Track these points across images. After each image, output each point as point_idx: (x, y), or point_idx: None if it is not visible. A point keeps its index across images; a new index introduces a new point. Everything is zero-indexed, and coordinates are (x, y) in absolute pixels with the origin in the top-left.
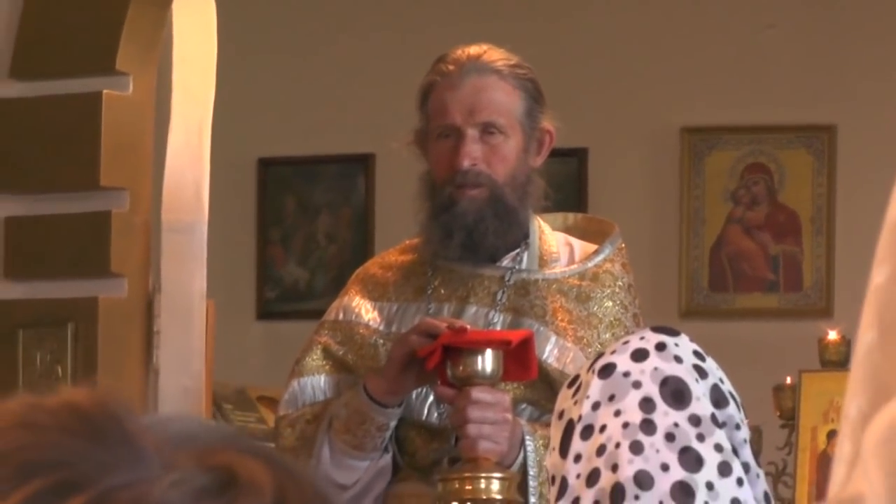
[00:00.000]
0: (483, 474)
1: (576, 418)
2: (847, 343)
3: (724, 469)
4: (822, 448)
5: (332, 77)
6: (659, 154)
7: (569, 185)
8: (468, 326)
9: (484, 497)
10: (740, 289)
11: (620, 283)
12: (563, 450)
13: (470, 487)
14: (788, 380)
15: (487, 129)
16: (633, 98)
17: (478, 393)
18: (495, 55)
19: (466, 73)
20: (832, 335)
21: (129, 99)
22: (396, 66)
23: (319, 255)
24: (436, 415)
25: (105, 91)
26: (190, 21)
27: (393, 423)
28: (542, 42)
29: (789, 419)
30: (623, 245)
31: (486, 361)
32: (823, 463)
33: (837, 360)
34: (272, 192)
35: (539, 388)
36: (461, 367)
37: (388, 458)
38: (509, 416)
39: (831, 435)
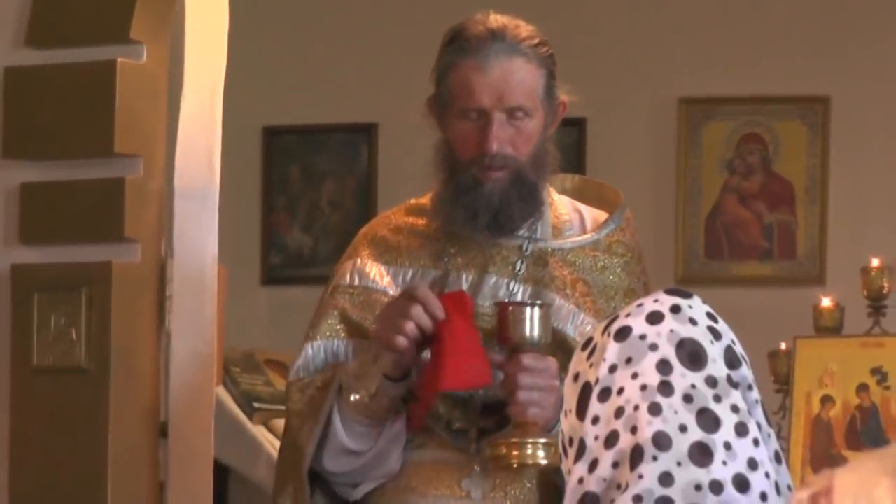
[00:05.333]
0: (531, 440)
1: (592, 381)
2: (840, 310)
3: (741, 429)
4: (815, 412)
5: (337, 46)
6: (657, 124)
7: (568, 154)
8: (468, 294)
9: (530, 462)
10: (735, 256)
11: (632, 253)
12: (581, 412)
13: (517, 453)
14: (783, 346)
15: (514, 113)
16: (632, 68)
17: (528, 360)
18: (520, 32)
19: (494, 53)
20: (826, 302)
21: (143, 67)
22: (402, 35)
23: (323, 222)
24: None
25: (119, 59)
26: None
27: (401, 392)
28: (541, 11)
29: (784, 384)
30: (630, 214)
31: (535, 326)
32: (817, 427)
33: (831, 327)
34: (277, 161)
35: (562, 361)
36: (511, 332)
37: (401, 422)
38: (556, 382)
39: (825, 400)
